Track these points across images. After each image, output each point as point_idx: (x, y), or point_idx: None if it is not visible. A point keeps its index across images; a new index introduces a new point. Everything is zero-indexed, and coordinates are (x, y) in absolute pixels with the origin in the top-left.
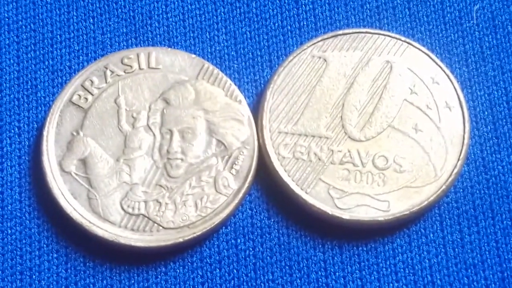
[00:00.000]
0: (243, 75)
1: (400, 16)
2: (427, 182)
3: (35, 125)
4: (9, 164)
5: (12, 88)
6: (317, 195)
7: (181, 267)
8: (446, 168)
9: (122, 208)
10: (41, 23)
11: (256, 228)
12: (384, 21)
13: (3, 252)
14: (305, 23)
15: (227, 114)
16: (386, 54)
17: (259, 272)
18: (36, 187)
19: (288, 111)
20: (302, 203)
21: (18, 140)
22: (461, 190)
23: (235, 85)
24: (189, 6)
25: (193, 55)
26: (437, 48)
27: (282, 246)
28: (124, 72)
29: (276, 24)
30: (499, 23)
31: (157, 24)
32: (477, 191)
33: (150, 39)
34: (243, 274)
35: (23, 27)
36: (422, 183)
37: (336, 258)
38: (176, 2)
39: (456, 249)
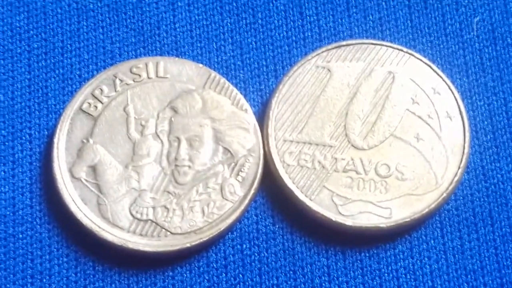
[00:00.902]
0: (249, 84)
1: (402, 27)
2: (428, 190)
3: (46, 133)
4: (20, 171)
5: (24, 96)
6: (321, 202)
7: (188, 272)
8: (447, 176)
9: (131, 214)
10: (52, 33)
11: (261, 234)
12: (386, 32)
13: (14, 256)
14: (309, 34)
15: (233, 122)
16: (388, 65)
17: (264, 277)
18: (47, 193)
19: (293, 120)
20: (306, 210)
21: (30, 147)
22: (461, 198)
23: (241, 94)
24: (197, 17)
25: (200, 65)
26: (438, 59)
27: (287, 252)
28: (133, 81)
29: (281, 35)
30: (499, 35)
31: (165, 34)
32: (477, 199)
33: (158, 49)
34: (248, 279)
35: (34, 36)
36: (423, 191)
37: (339, 263)
38: (184, 13)
39: (456, 255)
